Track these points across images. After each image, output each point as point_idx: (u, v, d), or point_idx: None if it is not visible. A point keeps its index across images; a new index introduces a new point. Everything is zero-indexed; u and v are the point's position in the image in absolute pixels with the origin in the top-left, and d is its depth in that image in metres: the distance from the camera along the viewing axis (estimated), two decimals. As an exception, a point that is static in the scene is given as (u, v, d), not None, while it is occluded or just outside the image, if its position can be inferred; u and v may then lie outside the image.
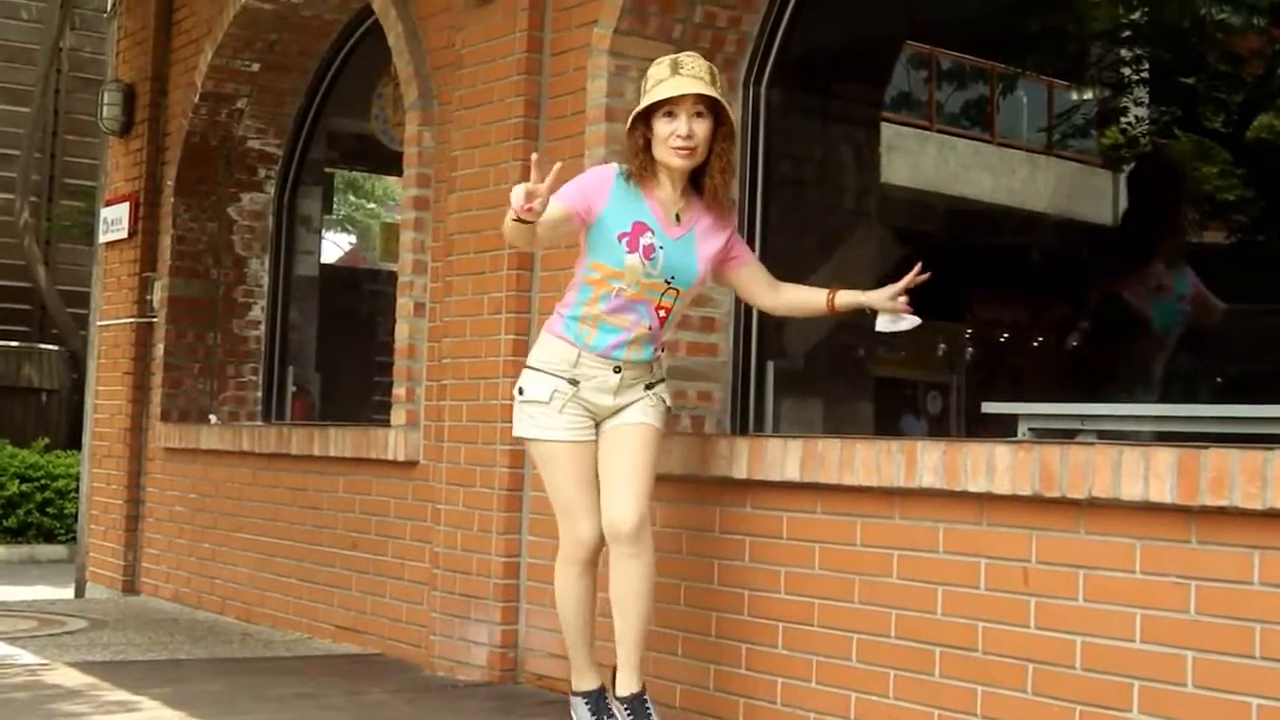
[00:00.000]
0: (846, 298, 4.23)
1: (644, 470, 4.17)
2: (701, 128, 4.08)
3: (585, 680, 4.32)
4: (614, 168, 4.21)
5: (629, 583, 4.13)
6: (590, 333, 4.16)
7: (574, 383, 4.16)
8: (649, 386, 4.23)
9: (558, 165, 3.84)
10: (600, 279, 4.13)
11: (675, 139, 4.07)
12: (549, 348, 4.20)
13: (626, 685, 4.16)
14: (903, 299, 4.12)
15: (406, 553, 6.00)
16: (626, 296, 4.13)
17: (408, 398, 6.05)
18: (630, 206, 4.13)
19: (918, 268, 4.09)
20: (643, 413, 4.21)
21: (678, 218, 4.17)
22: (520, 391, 4.24)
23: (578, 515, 4.22)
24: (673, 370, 4.77)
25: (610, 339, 4.16)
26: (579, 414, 4.18)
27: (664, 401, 4.27)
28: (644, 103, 4.11)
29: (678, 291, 4.17)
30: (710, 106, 4.10)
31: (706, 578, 4.59)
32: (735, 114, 4.27)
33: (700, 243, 4.19)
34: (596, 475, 4.21)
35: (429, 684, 5.40)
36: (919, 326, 4.15)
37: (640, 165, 4.13)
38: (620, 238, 4.10)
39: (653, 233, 4.12)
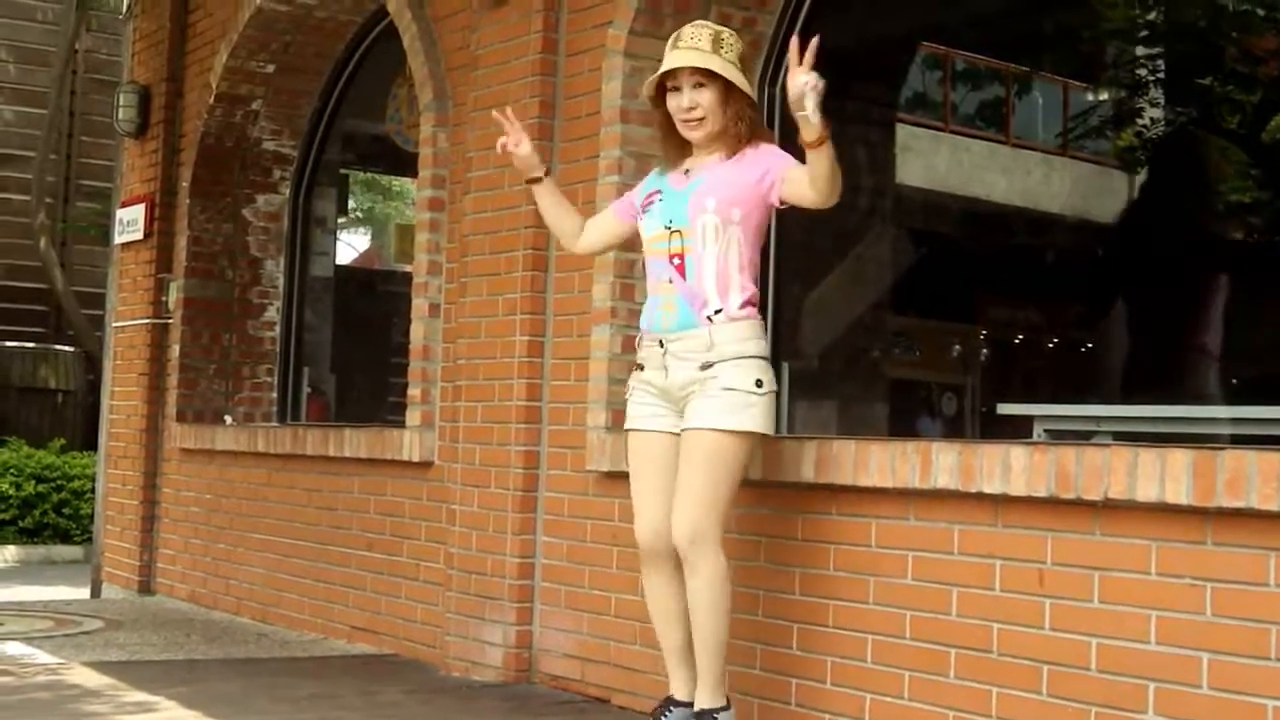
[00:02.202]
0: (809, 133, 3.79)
1: (691, 480, 3.93)
2: (706, 96, 4.00)
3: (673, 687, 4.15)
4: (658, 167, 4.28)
5: (684, 597, 4.01)
6: (643, 313, 4.18)
7: (640, 367, 4.13)
8: (705, 367, 3.95)
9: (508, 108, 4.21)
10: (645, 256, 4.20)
11: (680, 113, 4.05)
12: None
13: (697, 698, 3.99)
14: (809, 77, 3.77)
15: (421, 553, 6.01)
16: (650, 257, 4.13)
17: (423, 399, 6.05)
18: (653, 183, 4.21)
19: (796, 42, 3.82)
20: (695, 412, 3.96)
21: (687, 172, 4.11)
22: None
23: (637, 511, 4.12)
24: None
25: (650, 310, 4.11)
26: (645, 399, 4.10)
27: (731, 388, 3.91)
28: (645, 90, 4.13)
29: (680, 233, 4.01)
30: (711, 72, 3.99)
31: (721, 579, 4.58)
32: (740, 75, 4.01)
33: (709, 184, 4.02)
34: (668, 469, 4.03)
35: (444, 684, 5.40)
36: (934, 328, 4.13)
37: (669, 147, 4.15)
38: (641, 209, 4.18)
39: (661, 192, 4.14)
